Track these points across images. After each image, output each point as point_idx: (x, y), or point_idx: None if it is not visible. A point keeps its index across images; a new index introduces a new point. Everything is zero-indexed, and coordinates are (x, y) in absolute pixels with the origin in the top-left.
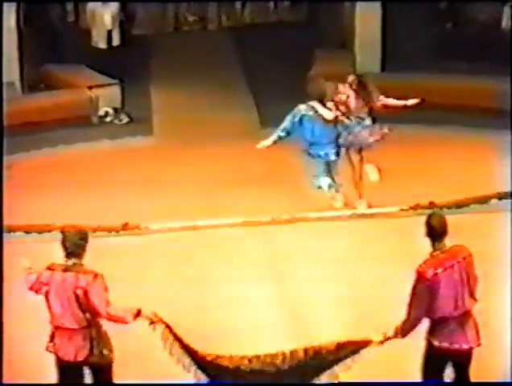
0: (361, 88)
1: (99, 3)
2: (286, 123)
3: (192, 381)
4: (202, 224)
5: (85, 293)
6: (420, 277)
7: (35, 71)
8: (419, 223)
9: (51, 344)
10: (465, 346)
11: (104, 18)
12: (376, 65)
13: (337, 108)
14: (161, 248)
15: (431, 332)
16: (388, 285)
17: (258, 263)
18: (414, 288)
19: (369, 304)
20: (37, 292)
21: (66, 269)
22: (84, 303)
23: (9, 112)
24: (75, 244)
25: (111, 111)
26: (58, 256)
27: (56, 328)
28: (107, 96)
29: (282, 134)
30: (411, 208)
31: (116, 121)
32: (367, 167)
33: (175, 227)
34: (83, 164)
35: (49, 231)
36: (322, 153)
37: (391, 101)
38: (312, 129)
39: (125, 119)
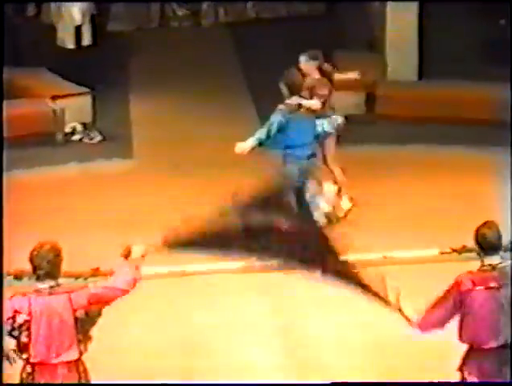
0: (325, 68)
1: None
2: (266, 128)
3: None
4: (192, 270)
5: (87, 310)
6: (455, 286)
7: None
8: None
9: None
10: None
11: (72, 12)
12: (412, 71)
13: (317, 95)
14: (140, 299)
15: (464, 362)
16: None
17: (262, 318)
18: (446, 292)
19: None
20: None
21: (51, 293)
22: (84, 326)
23: None
24: (50, 262)
25: (80, 127)
26: None
27: (34, 366)
28: (75, 108)
29: (263, 137)
30: (455, 251)
31: (86, 140)
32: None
33: (160, 274)
34: (43, 193)
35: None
36: (303, 154)
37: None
38: (295, 131)
39: (98, 137)
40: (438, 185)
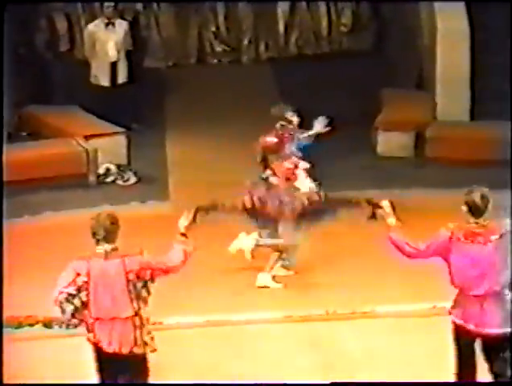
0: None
1: (101, 26)
2: None
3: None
4: (231, 319)
5: (139, 272)
6: (446, 234)
7: (16, 114)
8: None
9: (90, 335)
10: (489, 330)
11: (107, 47)
12: (463, 111)
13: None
14: (176, 349)
15: (455, 304)
16: None
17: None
18: (437, 235)
19: None
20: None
21: (106, 257)
22: (136, 288)
23: None
24: (106, 229)
25: (114, 168)
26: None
27: (97, 319)
28: (109, 148)
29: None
30: None
31: (120, 182)
32: None
33: (196, 323)
34: (75, 237)
35: (30, 325)
36: None
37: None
38: None
39: (132, 179)
40: None
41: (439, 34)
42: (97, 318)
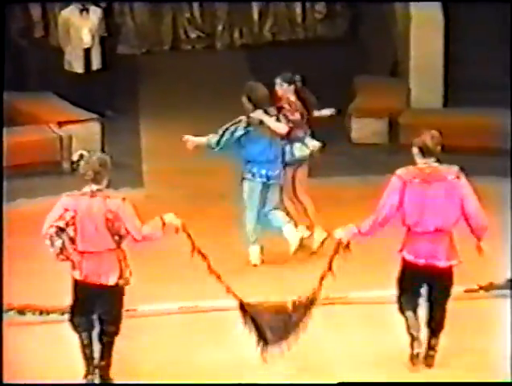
0: (302, 92)
1: (75, 12)
2: (218, 134)
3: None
4: (204, 306)
5: (116, 216)
6: (397, 181)
7: None
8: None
9: (76, 272)
10: (438, 263)
11: (81, 34)
12: (437, 98)
13: (286, 118)
14: (150, 335)
15: (405, 244)
16: None
17: (281, 362)
18: (389, 190)
19: None
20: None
21: (92, 195)
22: (114, 226)
23: None
24: (95, 171)
25: (88, 155)
26: None
27: (83, 253)
28: (83, 135)
29: (212, 141)
30: (482, 288)
31: None
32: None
33: (169, 310)
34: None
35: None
36: (260, 173)
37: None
38: (254, 146)
39: None
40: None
41: (413, 21)
42: (84, 253)
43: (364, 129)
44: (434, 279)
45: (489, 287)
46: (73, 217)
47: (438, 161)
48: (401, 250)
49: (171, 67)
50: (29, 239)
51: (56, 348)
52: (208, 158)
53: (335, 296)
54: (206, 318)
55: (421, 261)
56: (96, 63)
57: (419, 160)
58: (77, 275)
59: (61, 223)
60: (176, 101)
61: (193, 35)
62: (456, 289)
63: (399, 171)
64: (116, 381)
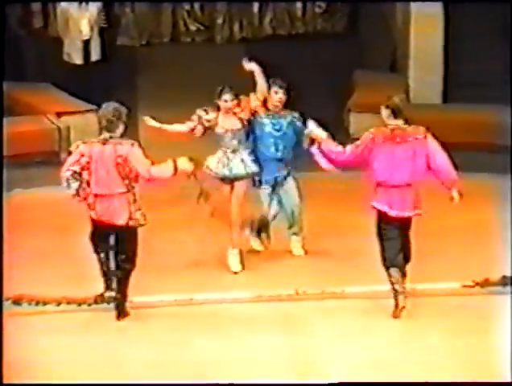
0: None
1: (74, 3)
2: None
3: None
4: (200, 299)
5: (125, 160)
6: (369, 138)
7: None
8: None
9: (92, 212)
10: (408, 213)
11: (80, 24)
12: (436, 95)
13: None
14: (145, 328)
15: (377, 195)
16: None
17: (277, 356)
18: (361, 142)
19: None
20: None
21: (104, 142)
22: (124, 170)
23: None
24: (108, 120)
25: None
26: None
27: (96, 196)
28: (81, 126)
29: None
30: (478, 284)
31: None
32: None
33: (165, 302)
34: (45, 215)
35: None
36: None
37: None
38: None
39: None
40: (457, 214)
41: (413, 17)
42: (97, 195)
43: (362, 124)
44: (403, 225)
45: (485, 283)
46: (88, 162)
47: (406, 122)
48: (373, 205)
49: (170, 59)
50: (26, 229)
51: (52, 338)
52: (207, 149)
53: (331, 291)
54: (201, 310)
55: (393, 213)
56: (95, 55)
57: (391, 121)
58: (93, 215)
59: (77, 168)
60: (175, 94)
61: (193, 28)
62: (453, 285)
63: (372, 130)
64: (108, 380)
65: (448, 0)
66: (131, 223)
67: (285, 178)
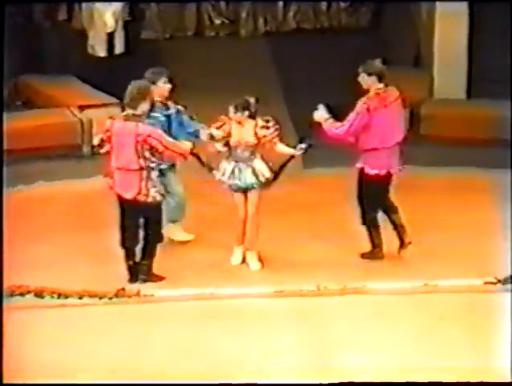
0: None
1: None
2: None
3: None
4: (220, 293)
5: (145, 140)
6: (364, 110)
7: (11, 83)
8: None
9: (110, 181)
10: (394, 171)
11: (104, 17)
12: (460, 89)
13: None
14: (167, 322)
15: (366, 161)
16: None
17: (296, 351)
18: (356, 113)
19: None
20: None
21: (126, 119)
22: (142, 148)
23: None
24: (132, 97)
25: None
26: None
27: (116, 168)
28: (103, 119)
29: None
30: (499, 281)
31: None
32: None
33: (187, 296)
34: (68, 208)
35: (21, 294)
36: None
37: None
38: None
39: None
40: (475, 211)
41: (438, 11)
42: (116, 168)
43: None
44: (388, 184)
45: (506, 281)
46: (109, 137)
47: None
48: (363, 168)
49: (194, 53)
50: (48, 221)
51: (73, 331)
52: None
53: (352, 286)
54: (221, 305)
55: (383, 172)
56: (119, 48)
57: (377, 85)
58: (110, 183)
59: (102, 138)
60: (198, 87)
61: (217, 22)
62: (475, 282)
63: (363, 99)
64: (129, 374)
65: None
66: (140, 198)
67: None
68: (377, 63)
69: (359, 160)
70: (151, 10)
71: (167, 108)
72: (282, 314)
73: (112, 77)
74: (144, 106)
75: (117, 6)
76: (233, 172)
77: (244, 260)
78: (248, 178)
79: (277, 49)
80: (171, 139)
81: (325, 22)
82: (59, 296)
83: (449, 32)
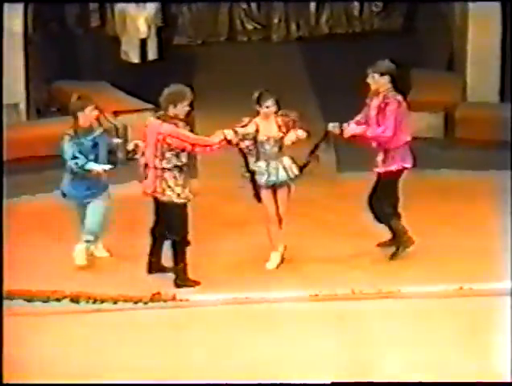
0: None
1: (132, 3)
2: None
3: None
4: (257, 297)
5: (164, 138)
6: (397, 106)
7: (46, 90)
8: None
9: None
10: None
11: (137, 23)
12: (493, 93)
13: None
14: (202, 326)
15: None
16: None
17: (333, 354)
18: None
19: None
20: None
21: (157, 117)
22: (162, 147)
23: (10, 143)
24: (163, 99)
25: (142, 145)
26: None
27: (143, 164)
28: (138, 124)
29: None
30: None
31: None
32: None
33: (222, 300)
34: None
35: (57, 299)
36: None
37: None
38: None
39: None
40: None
41: (471, 15)
42: (144, 163)
43: (419, 123)
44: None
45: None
46: (144, 133)
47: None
48: (406, 162)
49: (226, 58)
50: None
51: (108, 336)
52: None
53: (387, 290)
54: (257, 309)
55: (401, 166)
56: (152, 54)
57: (389, 85)
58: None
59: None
60: (231, 92)
61: (249, 27)
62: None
63: (395, 95)
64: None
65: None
66: (156, 194)
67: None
68: (388, 63)
69: (386, 161)
70: (184, 16)
71: (92, 131)
72: (318, 317)
73: (145, 83)
74: (171, 109)
75: (150, 11)
76: (266, 172)
77: (282, 262)
78: (280, 175)
79: (309, 54)
80: (193, 135)
81: (358, 27)
82: (95, 301)
83: (482, 35)
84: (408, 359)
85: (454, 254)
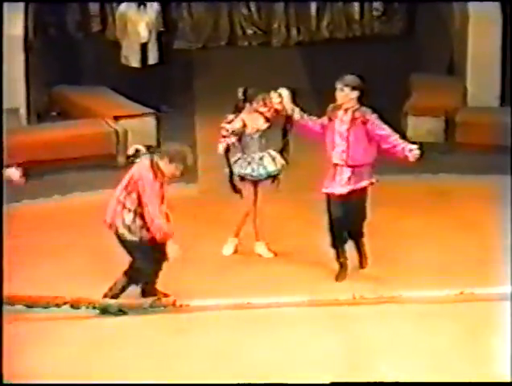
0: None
1: (133, 6)
2: None
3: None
4: (256, 302)
5: (136, 182)
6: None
7: (46, 94)
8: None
9: None
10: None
11: (138, 28)
12: (494, 97)
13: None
14: (203, 332)
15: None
16: None
17: (332, 359)
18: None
19: None
20: None
21: (150, 159)
22: (131, 189)
23: (10, 148)
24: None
25: (143, 149)
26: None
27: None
28: (138, 129)
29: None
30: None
31: None
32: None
33: (222, 305)
34: (103, 218)
35: (57, 305)
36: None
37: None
38: None
39: None
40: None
41: (471, 19)
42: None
43: (420, 128)
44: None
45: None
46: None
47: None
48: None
49: (227, 62)
50: (84, 231)
51: (110, 341)
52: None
53: (388, 295)
54: (258, 314)
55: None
56: (152, 58)
57: (355, 100)
58: None
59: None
60: (232, 97)
61: (250, 31)
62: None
63: (365, 110)
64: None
65: (506, 1)
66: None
67: None
68: (356, 77)
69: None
70: (184, 21)
71: None
72: (319, 322)
73: (146, 87)
74: (168, 165)
75: (151, 16)
76: (261, 159)
77: (236, 252)
78: (269, 166)
79: (309, 58)
80: (155, 201)
81: (358, 31)
82: (95, 307)
83: (482, 40)
84: (409, 363)
85: (455, 259)
